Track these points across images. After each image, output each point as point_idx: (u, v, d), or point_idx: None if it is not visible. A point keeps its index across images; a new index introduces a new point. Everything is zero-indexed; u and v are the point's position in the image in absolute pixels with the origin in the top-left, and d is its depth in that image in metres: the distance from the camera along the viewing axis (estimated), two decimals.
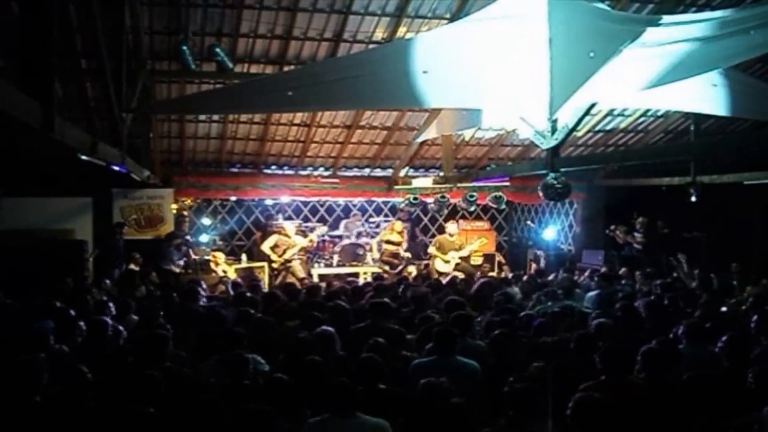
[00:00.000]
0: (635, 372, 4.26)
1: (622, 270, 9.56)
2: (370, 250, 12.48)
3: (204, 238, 11.87)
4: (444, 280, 9.44)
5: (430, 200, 11.45)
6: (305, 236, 11.97)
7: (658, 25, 5.00)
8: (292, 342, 4.95)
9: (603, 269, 9.94)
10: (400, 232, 12.26)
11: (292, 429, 3.68)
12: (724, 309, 6.27)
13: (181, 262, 10.62)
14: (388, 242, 12.19)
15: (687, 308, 6.42)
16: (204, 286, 8.28)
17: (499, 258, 13.35)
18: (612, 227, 12.29)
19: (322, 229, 12.37)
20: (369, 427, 3.67)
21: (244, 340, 4.93)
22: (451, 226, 12.04)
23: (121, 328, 5.38)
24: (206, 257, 11.37)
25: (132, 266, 10.17)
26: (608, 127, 12.02)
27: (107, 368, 4.54)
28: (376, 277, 9.95)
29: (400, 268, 11.92)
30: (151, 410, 3.72)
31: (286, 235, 11.53)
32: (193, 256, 11.21)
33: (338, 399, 3.69)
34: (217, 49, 8.59)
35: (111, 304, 6.27)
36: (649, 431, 3.83)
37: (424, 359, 4.69)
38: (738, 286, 8.21)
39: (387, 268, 11.90)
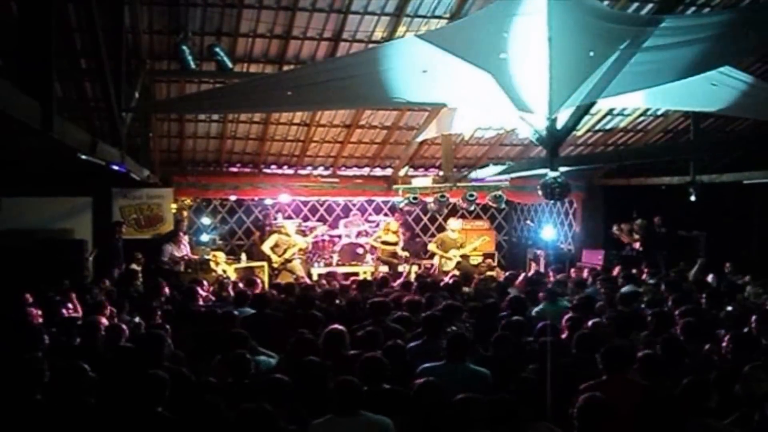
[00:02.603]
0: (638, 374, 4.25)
1: (617, 269, 9.55)
2: (369, 249, 12.51)
3: (204, 237, 11.88)
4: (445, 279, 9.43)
5: (429, 200, 11.46)
6: (305, 236, 11.97)
7: (658, 25, 5.00)
8: (298, 341, 4.94)
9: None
10: (395, 232, 12.24)
11: (293, 430, 3.68)
12: (729, 308, 6.27)
13: (177, 254, 10.59)
14: (385, 242, 12.17)
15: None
16: (205, 286, 8.28)
17: (488, 260, 13.32)
18: (615, 228, 12.31)
19: (321, 229, 12.38)
20: (373, 425, 3.67)
21: (245, 341, 4.92)
22: (453, 222, 12.02)
23: (124, 327, 5.38)
24: (206, 257, 11.37)
25: (133, 266, 10.17)
26: (608, 127, 12.02)
27: (102, 367, 4.54)
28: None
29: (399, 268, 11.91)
30: (159, 410, 3.72)
31: (287, 234, 11.54)
32: (193, 256, 11.23)
33: (342, 398, 3.69)
34: (217, 49, 8.59)
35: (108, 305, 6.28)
36: (651, 431, 3.83)
37: (433, 364, 4.58)
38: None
39: (386, 268, 11.89)
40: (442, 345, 4.94)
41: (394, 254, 12.19)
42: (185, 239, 11.37)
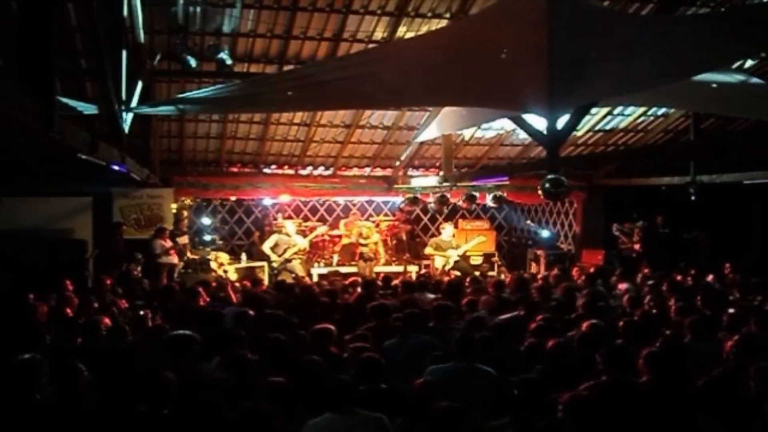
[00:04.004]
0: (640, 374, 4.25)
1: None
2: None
3: (206, 237, 11.89)
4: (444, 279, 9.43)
5: (430, 199, 11.46)
6: (305, 236, 11.98)
7: (658, 25, 5.00)
8: (290, 341, 4.94)
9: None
10: (366, 235, 12.13)
11: (291, 430, 3.68)
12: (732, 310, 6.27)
13: (166, 245, 10.58)
14: (363, 245, 12.10)
15: None
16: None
17: (495, 258, 13.32)
18: (615, 228, 12.29)
19: (321, 229, 12.38)
20: (369, 422, 3.69)
21: (244, 341, 4.92)
22: (447, 228, 12.00)
23: (127, 327, 5.38)
24: (206, 257, 11.38)
25: (133, 266, 10.18)
26: (608, 127, 12.02)
27: (105, 367, 4.54)
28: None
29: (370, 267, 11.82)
30: (164, 411, 3.71)
31: (287, 234, 11.54)
32: (193, 256, 11.23)
33: (338, 396, 3.70)
34: (217, 49, 8.58)
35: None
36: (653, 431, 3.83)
37: (441, 365, 4.54)
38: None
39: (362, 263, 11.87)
40: (422, 342, 5.00)
41: (375, 253, 12.14)
42: (185, 239, 11.38)
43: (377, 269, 11.98)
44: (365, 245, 11.97)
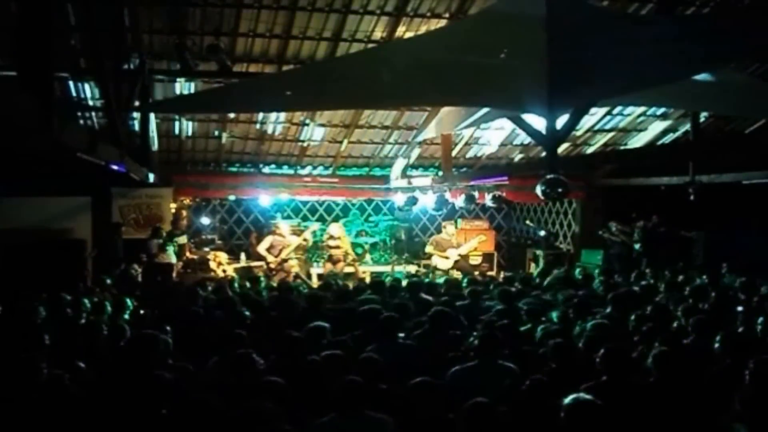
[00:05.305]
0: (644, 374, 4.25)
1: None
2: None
3: (205, 236, 11.90)
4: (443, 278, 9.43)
5: (429, 199, 11.45)
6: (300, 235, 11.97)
7: (658, 25, 5.00)
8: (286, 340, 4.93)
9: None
10: (338, 237, 12.03)
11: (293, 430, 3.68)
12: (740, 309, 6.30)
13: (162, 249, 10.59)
14: (331, 246, 12.04)
15: None
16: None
17: (498, 258, 13.33)
18: (614, 228, 12.26)
19: (314, 226, 12.37)
20: (375, 424, 3.67)
21: (244, 341, 4.91)
22: (449, 227, 12.01)
23: (126, 327, 5.38)
24: (206, 257, 11.37)
25: (134, 265, 10.17)
26: (608, 127, 12.02)
27: (104, 368, 4.54)
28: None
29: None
30: (163, 411, 3.71)
31: (281, 235, 11.48)
32: (192, 255, 11.23)
33: (347, 397, 3.68)
34: (217, 49, 8.57)
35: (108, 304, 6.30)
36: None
37: (464, 365, 4.51)
38: None
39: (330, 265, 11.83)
40: (400, 350, 5.00)
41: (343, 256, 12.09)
42: (184, 238, 11.38)
43: (371, 269, 11.99)
44: (334, 247, 11.90)
